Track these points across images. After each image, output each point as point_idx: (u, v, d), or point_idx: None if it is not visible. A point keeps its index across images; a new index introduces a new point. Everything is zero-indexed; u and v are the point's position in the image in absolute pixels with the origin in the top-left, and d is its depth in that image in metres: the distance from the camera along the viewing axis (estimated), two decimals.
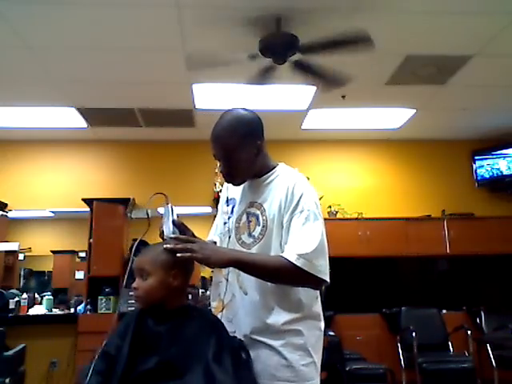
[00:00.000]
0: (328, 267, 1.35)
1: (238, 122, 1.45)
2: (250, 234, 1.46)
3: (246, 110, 1.51)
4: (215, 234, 1.65)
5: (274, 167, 1.54)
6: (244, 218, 1.49)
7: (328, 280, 1.35)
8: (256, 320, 1.41)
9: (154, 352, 1.24)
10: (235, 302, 1.46)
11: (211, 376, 1.18)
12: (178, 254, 1.27)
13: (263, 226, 1.43)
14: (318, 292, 1.49)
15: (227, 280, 1.49)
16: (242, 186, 1.56)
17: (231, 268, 1.45)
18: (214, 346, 1.24)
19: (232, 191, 1.60)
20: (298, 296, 1.42)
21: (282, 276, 1.34)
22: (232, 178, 1.50)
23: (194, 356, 1.23)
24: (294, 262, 1.30)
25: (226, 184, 1.64)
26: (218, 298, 1.53)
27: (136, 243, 1.44)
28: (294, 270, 1.30)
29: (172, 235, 1.38)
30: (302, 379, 1.38)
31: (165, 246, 1.31)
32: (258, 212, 1.46)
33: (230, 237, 1.52)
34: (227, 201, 1.60)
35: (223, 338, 1.30)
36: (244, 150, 1.43)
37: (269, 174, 1.51)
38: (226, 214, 1.58)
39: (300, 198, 1.40)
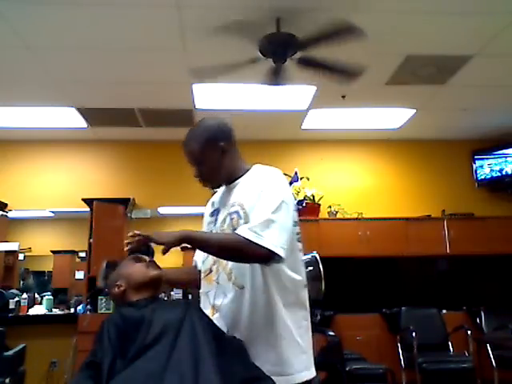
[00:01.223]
0: (280, 241, 1.37)
1: (199, 128, 1.61)
2: (233, 230, 1.49)
3: (213, 118, 1.64)
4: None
5: (247, 170, 1.61)
6: (228, 220, 1.55)
7: (278, 252, 1.36)
8: (251, 312, 1.45)
9: (136, 338, 1.26)
10: (227, 300, 1.49)
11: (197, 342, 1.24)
12: (137, 232, 1.40)
13: (245, 218, 1.48)
14: (305, 282, 1.54)
15: (218, 283, 1.53)
16: (220, 195, 1.65)
17: (221, 269, 1.51)
18: (195, 323, 1.30)
19: (215, 203, 1.68)
20: (292, 283, 1.48)
21: (234, 249, 1.39)
22: (205, 181, 1.62)
23: (175, 331, 1.27)
24: (242, 234, 1.36)
25: (210, 200, 1.74)
26: (209, 305, 1.56)
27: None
28: (241, 242, 1.36)
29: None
30: (297, 371, 1.43)
31: (129, 234, 1.42)
32: (238, 208, 1.51)
33: None
34: (211, 212, 1.68)
35: (203, 319, 1.36)
36: (207, 152, 1.56)
37: (242, 176, 1.59)
38: (211, 224, 1.64)
39: (266, 184, 1.48)
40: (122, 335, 1.28)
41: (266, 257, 1.37)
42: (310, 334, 1.53)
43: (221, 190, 1.68)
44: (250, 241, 1.35)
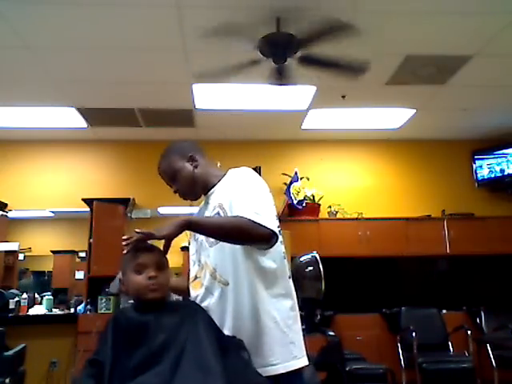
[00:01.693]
0: (275, 223, 1.46)
1: (167, 149, 1.71)
2: None
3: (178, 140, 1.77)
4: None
5: (223, 175, 1.65)
6: None
7: (277, 232, 1.45)
8: (236, 306, 1.47)
9: (140, 345, 1.26)
10: (214, 299, 1.51)
11: (199, 361, 1.21)
12: (137, 230, 1.36)
13: (226, 216, 1.53)
14: (289, 272, 1.58)
15: (204, 285, 1.55)
16: (202, 205, 1.69)
17: (207, 271, 1.55)
18: (200, 331, 1.29)
19: (199, 214, 1.71)
20: (274, 274, 1.51)
21: (238, 230, 1.42)
22: (185, 194, 1.68)
23: (177, 342, 1.25)
24: (246, 216, 1.41)
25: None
26: None
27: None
28: (248, 223, 1.40)
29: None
30: (284, 360, 1.44)
31: (136, 230, 1.38)
32: (218, 209, 1.56)
33: (201, 244, 1.61)
34: None
35: (205, 321, 1.34)
36: (177, 166, 1.64)
37: (218, 182, 1.65)
38: (196, 234, 1.66)
39: (244, 181, 1.55)
40: (126, 337, 1.27)
41: (268, 237, 1.43)
42: (299, 324, 1.55)
43: (202, 200, 1.73)
44: (254, 221, 1.39)
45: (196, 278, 1.62)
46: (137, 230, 1.38)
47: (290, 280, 1.58)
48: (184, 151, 1.67)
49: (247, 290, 1.47)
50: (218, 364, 1.20)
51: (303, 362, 1.49)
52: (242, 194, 1.50)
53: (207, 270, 1.55)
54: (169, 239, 1.38)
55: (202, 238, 1.61)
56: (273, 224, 1.44)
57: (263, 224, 1.40)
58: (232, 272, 1.49)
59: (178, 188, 1.66)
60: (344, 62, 3.27)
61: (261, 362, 1.42)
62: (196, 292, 1.59)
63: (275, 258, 1.53)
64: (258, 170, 3.81)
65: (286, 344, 1.46)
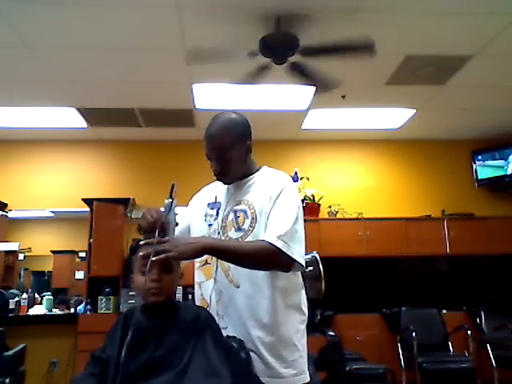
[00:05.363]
0: (303, 251, 1.42)
1: (231, 123, 1.55)
2: (238, 229, 1.50)
3: (236, 112, 1.63)
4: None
5: (258, 170, 1.62)
6: (231, 215, 1.53)
7: (303, 263, 1.40)
8: (249, 312, 1.44)
9: (145, 349, 1.25)
10: (224, 298, 1.49)
11: (203, 370, 1.21)
12: (153, 258, 1.24)
13: (252, 219, 1.48)
14: (302, 282, 1.55)
15: (215, 279, 1.51)
16: (225, 189, 1.62)
17: (218, 264, 1.50)
18: (207, 341, 1.27)
19: (218, 197, 1.64)
20: (292, 284, 1.49)
21: (258, 258, 1.38)
22: (224, 176, 1.57)
23: (184, 350, 1.24)
24: (274, 243, 1.36)
25: (208, 188, 1.72)
26: (201, 297, 1.56)
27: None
28: (272, 251, 1.36)
29: (144, 241, 1.34)
30: (295, 374, 1.43)
31: (140, 253, 1.29)
32: (246, 207, 1.51)
33: (214, 233, 1.56)
34: (213, 204, 1.64)
35: (214, 332, 1.32)
36: (236, 148, 1.53)
37: (253, 175, 1.59)
38: (211, 217, 1.61)
39: (282, 190, 1.49)
40: (133, 340, 1.25)
41: (289, 266, 1.40)
42: (306, 338, 1.53)
43: (221, 183, 1.63)
44: (281, 250, 1.35)
45: (206, 263, 1.55)
46: (154, 259, 1.25)
47: (303, 291, 1.55)
48: (245, 135, 1.57)
49: (263, 298, 1.43)
50: (226, 370, 1.20)
51: (308, 377, 1.47)
52: (277, 211, 1.44)
53: (220, 266, 1.50)
54: (180, 259, 1.34)
55: (215, 227, 1.56)
56: (301, 254, 1.39)
57: (291, 255, 1.37)
58: (247, 277, 1.45)
59: (222, 168, 1.53)
60: (350, 44, 3.15)
61: (274, 373, 1.40)
62: (204, 279, 1.55)
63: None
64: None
65: (297, 357, 1.45)
